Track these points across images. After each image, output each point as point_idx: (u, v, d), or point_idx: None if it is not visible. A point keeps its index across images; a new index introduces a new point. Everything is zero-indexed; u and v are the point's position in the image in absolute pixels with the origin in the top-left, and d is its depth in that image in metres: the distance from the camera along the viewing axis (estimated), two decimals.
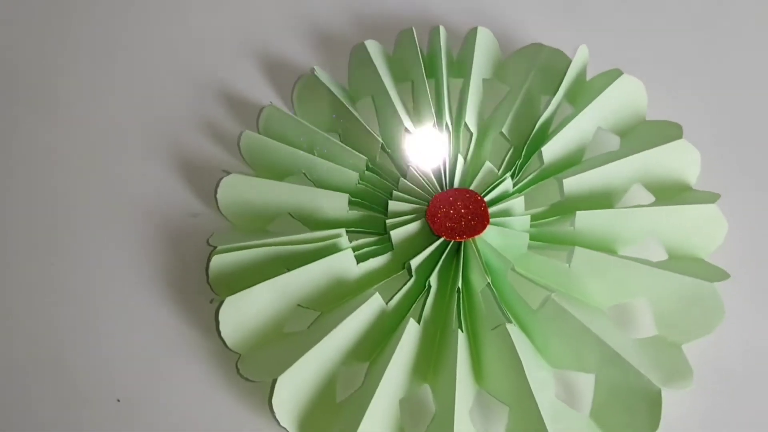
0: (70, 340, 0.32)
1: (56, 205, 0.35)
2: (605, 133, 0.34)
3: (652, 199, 0.33)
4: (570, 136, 0.33)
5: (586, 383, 0.29)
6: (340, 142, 0.33)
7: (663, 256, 0.32)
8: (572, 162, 0.33)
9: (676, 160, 0.32)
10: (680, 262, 0.31)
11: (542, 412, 0.27)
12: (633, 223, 0.31)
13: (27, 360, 0.31)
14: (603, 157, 0.33)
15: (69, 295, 0.33)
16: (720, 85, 0.37)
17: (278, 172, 0.34)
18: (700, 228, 0.31)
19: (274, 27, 0.39)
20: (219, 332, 0.30)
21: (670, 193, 0.32)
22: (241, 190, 0.33)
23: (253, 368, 0.30)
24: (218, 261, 0.31)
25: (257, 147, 0.34)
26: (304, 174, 0.33)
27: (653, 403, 0.27)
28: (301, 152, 0.33)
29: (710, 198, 0.31)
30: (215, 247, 0.31)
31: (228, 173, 0.33)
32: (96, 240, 0.34)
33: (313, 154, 0.33)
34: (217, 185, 0.33)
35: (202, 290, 0.32)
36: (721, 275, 0.30)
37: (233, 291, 0.30)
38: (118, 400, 0.30)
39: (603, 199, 0.32)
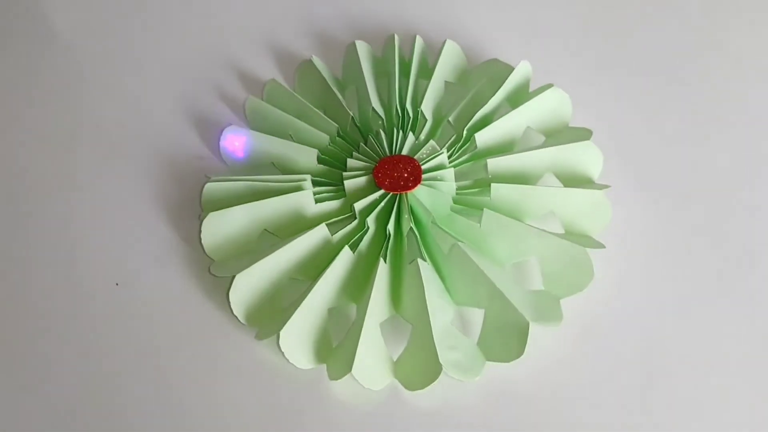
0: (81, 236, 0.41)
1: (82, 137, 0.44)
2: (534, 132, 0.42)
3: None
4: (501, 126, 0.41)
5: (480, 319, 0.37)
6: (320, 113, 0.42)
7: (561, 231, 0.39)
8: (502, 150, 0.41)
9: (583, 156, 0.40)
10: (570, 235, 0.38)
11: (434, 331, 0.35)
12: (537, 200, 0.39)
13: (40, 245, 0.40)
14: (525, 148, 0.41)
15: (83, 204, 0.42)
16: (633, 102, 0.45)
17: (271, 132, 0.43)
18: (591, 210, 0.39)
19: (286, 25, 0.49)
20: (200, 240, 0.38)
21: (574, 183, 0.40)
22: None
23: (220, 269, 0.38)
24: (210, 187, 0.40)
25: (258, 110, 0.43)
26: (290, 135, 0.42)
27: (522, 334, 0.35)
28: (289, 116, 0.42)
29: (601, 188, 0.39)
30: (210, 178, 0.40)
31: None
32: (114, 169, 0.43)
33: (299, 120, 0.42)
34: (220, 135, 0.42)
35: (197, 213, 0.40)
36: (596, 245, 0.37)
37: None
38: (117, 284, 0.39)
39: (519, 181, 0.40)
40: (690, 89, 0.45)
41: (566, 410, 0.36)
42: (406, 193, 0.39)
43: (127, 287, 0.39)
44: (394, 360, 0.36)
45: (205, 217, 0.38)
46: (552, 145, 0.40)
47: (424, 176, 0.39)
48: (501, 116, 0.41)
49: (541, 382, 0.36)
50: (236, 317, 0.37)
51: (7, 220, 0.41)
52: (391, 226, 0.38)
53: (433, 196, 0.39)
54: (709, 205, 0.41)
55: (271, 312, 0.37)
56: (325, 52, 0.47)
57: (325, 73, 0.45)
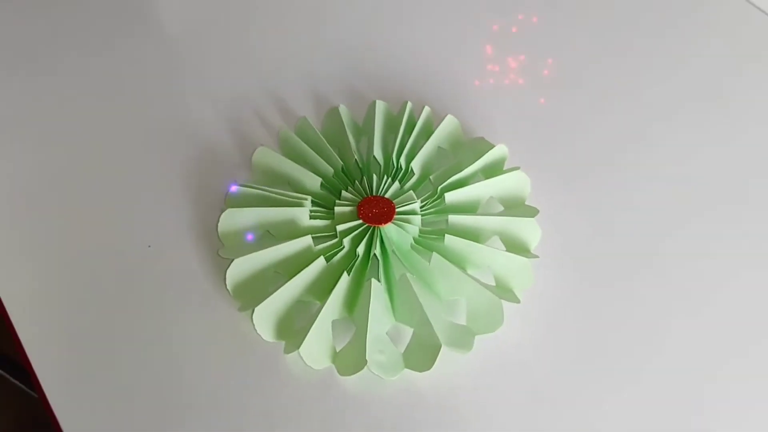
0: (116, 214, 0.53)
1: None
2: (495, 202, 0.52)
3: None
4: (469, 192, 0.51)
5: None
6: (332, 150, 0.53)
7: (492, 283, 0.49)
8: (465, 210, 0.51)
9: (526, 229, 0.50)
10: (497, 287, 0.48)
11: (368, 335, 0.45)
12: (479, 254, 0.48)
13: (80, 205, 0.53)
14: (483, 213, 0.51)
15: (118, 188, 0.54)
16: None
17: (292, 157, 0.54)
18: (519, 272, 0.48)
19: (328, 74, 0.60)
20: (216, 228, 0.50)
21: (514, 249, 0.50)
22: (268, 161, 0.53)
23: (226, 252, 0.50)
24: (235, 191, 0.51)
25: (287, 139, 0.55)
26: (306, 162, 0.53)
27: (434, 352, 0.45)
28: (308, 148, 0.53)
29: (532, 257, 0.49)
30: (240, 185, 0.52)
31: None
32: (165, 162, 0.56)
33: (315, 152, 0.53)
34: (253, 153, 0.54)
35: (221, 207, 0.52)
36: (513, 299, 0.47)
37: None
38: (149, 246, 0.51)
39: (471, 237, 0.49)
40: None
41: (456, 415, 0.45)
42: (379, 227, 0.49)
43: (157, 251, 0.51)
44: (337, 350, 0.47)
45: (224, 210, 0.50)
46: (504, 215, 0.50)
47: (396, 217, 0.50)
48: (472, 183, 0.52)
49: (442, 392, 0.46)
50: (228, 290, 0.48)
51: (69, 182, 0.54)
52: (360, 249, 0.49)
53: (399, 233, 0.49)
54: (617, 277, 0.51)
55: (254, 292, 0.48)
56: (352, 104, 0.58)
57: (346, 120, 0.56)
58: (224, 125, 0.57)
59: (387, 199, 0.51)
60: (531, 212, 0.51)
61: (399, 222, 0.50)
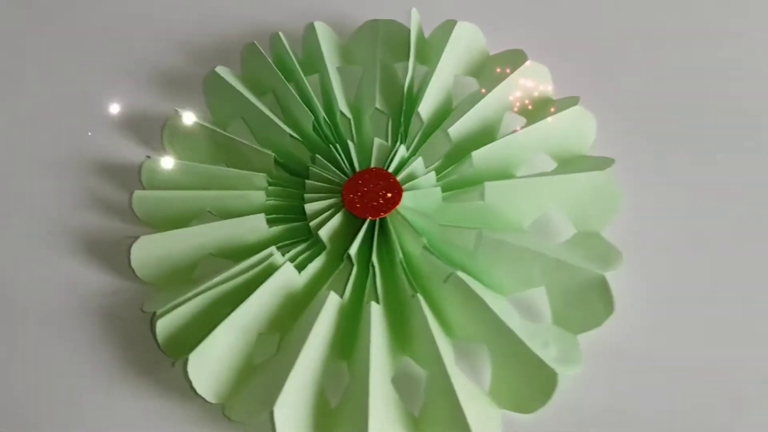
0: None
1: None
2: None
3: (554, 165, 0.35)
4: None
5: (539, 299, 0.32)
6: (234, 169, 0.34)
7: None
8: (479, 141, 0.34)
9: (574, 126, 0.34)
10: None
11: (519, 336, 0.29)
12: (534, 192, 0.33)
13: None
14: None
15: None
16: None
17: (181, 220, 0.33)
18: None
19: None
20: (195, 391, 0.29)
21: (569, 158, 0.35)
22: (153, 249, 0.32)
23: (240, 410, 0.29)
24: (163, 324, 0.30)
25: (150, 203, 0.34)
26: (210, 212, 0.33)
27: (602, 289, 0.30)
28: (199, 192, 0.33)
29: (605, 164, 0.33)
30: (154, 313, 0.30)
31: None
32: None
33: (211, 189, 0.33)
34: (129, 253, 0.32)
35: (159, 358, 0.31)
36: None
37: (188, 348, 0.29)
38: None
39: (507, 168, 0.34)
40: None
41: None
42: (396, 209, 0.32)
43: None
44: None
45: (185, 363, 0.29)
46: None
47: (398, 179, 0.32)
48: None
49: None
50: None
51: None
52: (352, 252, 0.31)
53: (419, 197, 0.33)
54: None
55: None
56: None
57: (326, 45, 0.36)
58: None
59: (366, 169, 0.33)
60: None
61: (408, 185, 0.33)
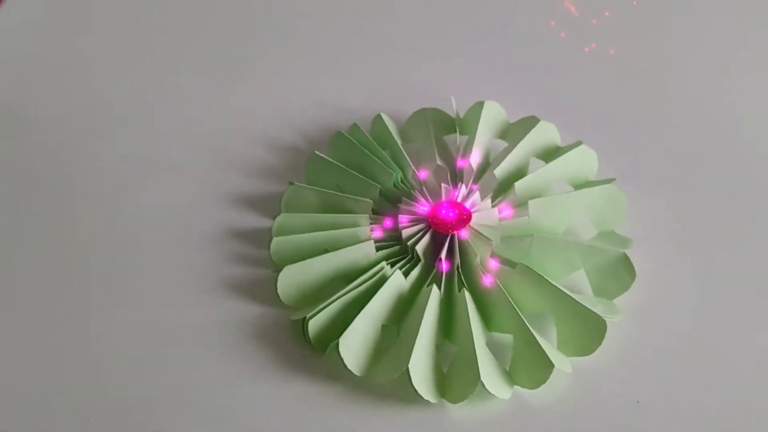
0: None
1: None
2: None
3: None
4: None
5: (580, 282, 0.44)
6: (342, 214, 0.46)
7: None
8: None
9: (581, 160, 0.48)
10: None
11: (576, 298, 0.41)
12: (565, 204, 0.45)
13: None
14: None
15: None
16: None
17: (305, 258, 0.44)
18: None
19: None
20: (345, 366, 0.39)
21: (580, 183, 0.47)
22: (293, 276, 0.43)
23: (380, 375, 0.40)
24: (314, 323, 0.40)
25: (282, 245, 0.45)
26: (326, 249, 0.45)
27: (626, 262, 0.42)
28: (317, 233, 0.45)
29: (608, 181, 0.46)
30: (304, 318, 0.41)
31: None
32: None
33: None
34: (276, 280, 0.43)
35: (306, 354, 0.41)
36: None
37: (331, 340, 0.40)
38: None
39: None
40: None
41: None
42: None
43: None
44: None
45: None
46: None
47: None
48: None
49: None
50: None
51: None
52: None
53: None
54: None
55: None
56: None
57: (392, 128, 0.50)
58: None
59: (450, 201, 0.45)
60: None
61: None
